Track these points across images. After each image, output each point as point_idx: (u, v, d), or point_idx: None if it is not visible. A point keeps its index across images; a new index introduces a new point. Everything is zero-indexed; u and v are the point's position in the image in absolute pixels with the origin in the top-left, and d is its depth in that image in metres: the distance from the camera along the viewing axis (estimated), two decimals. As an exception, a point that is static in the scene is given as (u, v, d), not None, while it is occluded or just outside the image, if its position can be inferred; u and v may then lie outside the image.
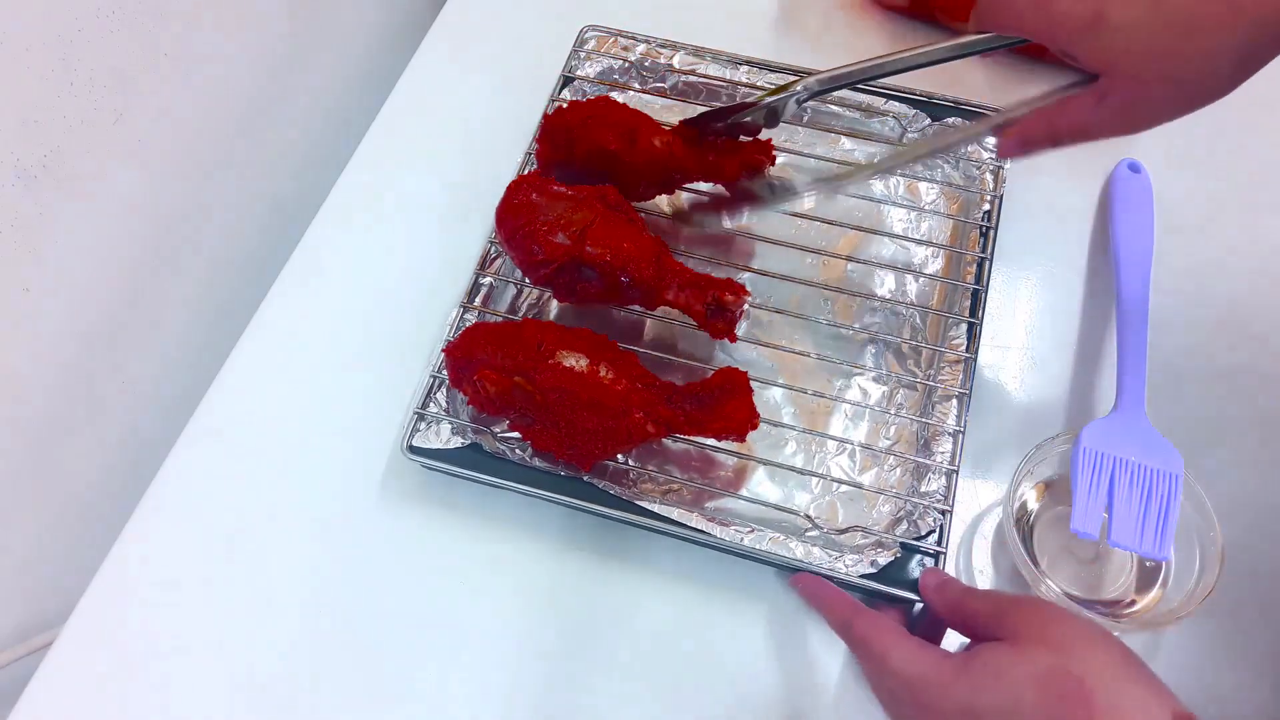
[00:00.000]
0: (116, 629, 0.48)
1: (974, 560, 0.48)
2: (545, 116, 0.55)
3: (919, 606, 0.44)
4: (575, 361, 0.45)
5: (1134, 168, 0.57)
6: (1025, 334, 0.54)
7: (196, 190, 0.59)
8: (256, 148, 0.64)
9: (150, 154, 0.54)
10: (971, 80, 0.63)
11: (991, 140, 0.57)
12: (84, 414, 0.55)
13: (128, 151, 0.52)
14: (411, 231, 0.59)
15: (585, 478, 0.47)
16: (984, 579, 0.47)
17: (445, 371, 0.49)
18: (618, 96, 0.61)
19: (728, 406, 0.44)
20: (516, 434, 0.50)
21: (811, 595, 0.44)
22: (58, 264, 0.50)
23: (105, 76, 0.49)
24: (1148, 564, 0.46)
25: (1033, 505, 0.49)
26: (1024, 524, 0.48)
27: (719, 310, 0.47)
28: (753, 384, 0.46)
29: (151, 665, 0.47)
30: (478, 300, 0.53)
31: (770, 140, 0.52)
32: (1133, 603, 0.45)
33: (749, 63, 0.61)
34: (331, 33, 0.69)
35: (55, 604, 0.52)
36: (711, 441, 0.47)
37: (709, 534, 0.45)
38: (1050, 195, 0.58)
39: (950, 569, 0.46)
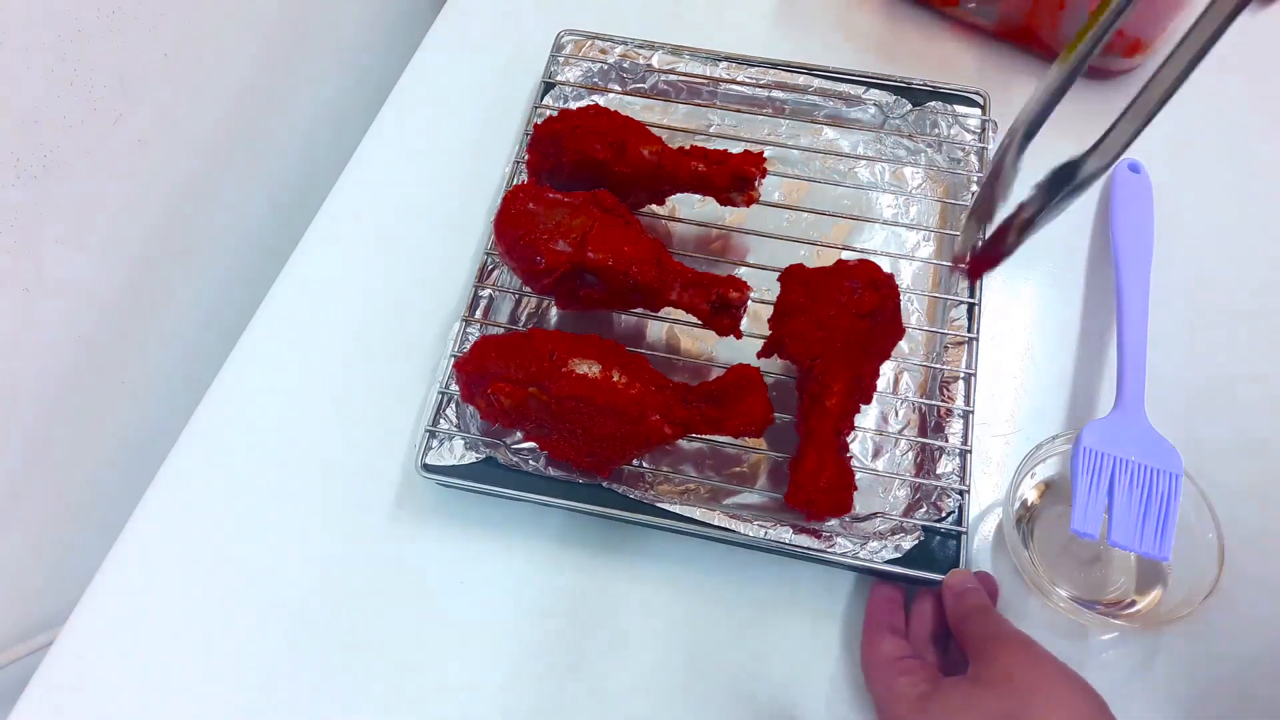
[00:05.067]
0: (116, 629, 0.47)
1: (974, 561, 0.48)
2: (535, 125, 0.54)
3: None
4: (589, 368, 0.45)
5: (1134, 168, 0.57)
6: (1025, 334, 0.54)
7: (195, 191, 0.59)
8: (256, 149, 0.64)
9: (150, 154, 0.54)
10: (960, 65, 0.63)
11: (974, 121, 0.58)
12: (84, 414, 0.54)
13: (128, 151, 0.52)
14: (405, 244, 0.59)
15: (604, 483, 0.47)
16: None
17: (454, 386, 0.49)
18: (599, 99, 0.61)
19: (743, 404, 0.44)
20: (531, 445, 0.49)
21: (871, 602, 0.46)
22: (58, 264, 0.50)
23: (105, 76, 0.49)
24: (1148, 564, 0.47)
25: (1033, 505, 0.49)
26: (1024, 524, 0.48)
27: (723, 307, 0.47)
28: (763, 378, 0.46)
29: (151, 666, 0.46)
30: (478, 313, 0.53)
31: (762, 152, 0.52)
32: (1133, 603, 0.46)
33: (729, 58, 0.61)
34: (332, 33, 0.69)
35: (55, 604, 0.52)
36: (724, 438, 0.47)
37: (733, 531, 0.45)
38: (1050, 195, 0.58)
39: (970, 550, 0.46)
